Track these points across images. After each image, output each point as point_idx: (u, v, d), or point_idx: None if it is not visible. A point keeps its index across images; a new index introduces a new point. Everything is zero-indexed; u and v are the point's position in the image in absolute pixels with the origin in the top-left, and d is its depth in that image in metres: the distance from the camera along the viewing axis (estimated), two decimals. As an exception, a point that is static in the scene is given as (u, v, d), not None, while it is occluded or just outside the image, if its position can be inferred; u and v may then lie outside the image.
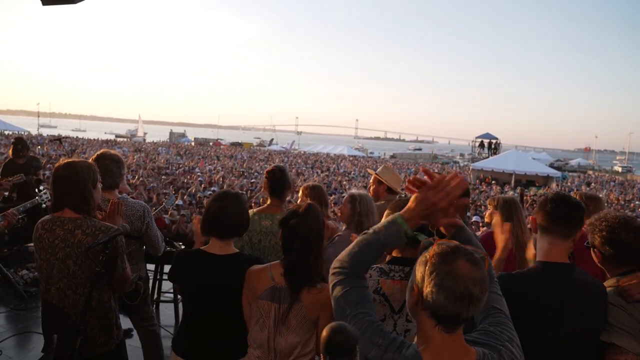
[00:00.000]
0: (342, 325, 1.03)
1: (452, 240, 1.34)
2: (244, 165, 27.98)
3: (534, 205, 13.47)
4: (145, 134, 78.09)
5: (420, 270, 1.26)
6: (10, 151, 6.57)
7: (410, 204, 1.48)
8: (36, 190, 3.88)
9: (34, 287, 5.02)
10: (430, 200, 1.44)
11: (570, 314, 1.75)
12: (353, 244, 1.49)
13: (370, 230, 1.49)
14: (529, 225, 2.57)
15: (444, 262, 1.22)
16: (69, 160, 2.34)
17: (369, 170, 4.12)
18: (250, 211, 2.88)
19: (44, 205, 3.84)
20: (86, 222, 2.21)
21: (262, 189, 3.15)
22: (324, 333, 1.02)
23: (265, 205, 3.08)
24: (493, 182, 27.28)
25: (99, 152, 3.13)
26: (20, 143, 6.60)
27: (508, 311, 1.45)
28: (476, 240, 1.59)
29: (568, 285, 1.78)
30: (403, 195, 3.41)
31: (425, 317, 1.26)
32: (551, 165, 42.75)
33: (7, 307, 4.61)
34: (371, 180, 3.97)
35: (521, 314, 1.70)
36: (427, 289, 1.22)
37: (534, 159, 37.93)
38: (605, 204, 3.25)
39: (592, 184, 31.74)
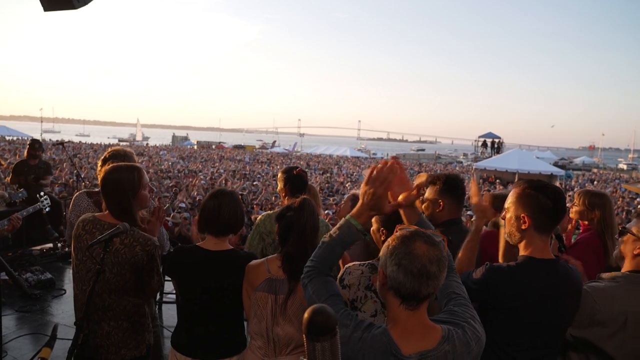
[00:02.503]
0: (322, 307, 1.06)
1: (412, 226, 1.47)
2: (247, 167, 28.02)
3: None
4: (147, 138, 78.30)
5: (383, 254, 1.39)
6: (26, 151, 6.81)
7: (359, 201, 1.65)
8: (37, 196, 3.92)
9: (39, 289, 5.08)
10: (370, 191, 1.60)
11: (556, 305, 1.81)
12: (317, 247, 1.66)
13: (328, 234, 1.66)
14: None
15: (402, 243, 1.34)
16: (116, 165, 2.31)
17: (364, 174, 4.01)
18: (266, 213, 2.97)
19: (44, 211, 3.88)
20: (127, 230, 2.17)
21: (281, 191, 3.11)
22: (305, 315, 1.06)
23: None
24: (497, 181, 27.22)
25: (111, 149, 3.13)
26: (38, 143, 6.92)
27: (467, 295, 1.58)
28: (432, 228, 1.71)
29: (555, 280, 1.82)
30: None
31: (391, 297, 1.38)
32: (555, 164, 42.51)
33: (13, 309, 4.65)
34: None
35: (512, 304, 1.77)
36: (389, 269, 1.35)
37: (537, 157, 37.70)
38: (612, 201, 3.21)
39: (596, 182, 31.61)
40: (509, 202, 1.92)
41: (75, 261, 2.26)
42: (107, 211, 2.26)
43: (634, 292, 1.91)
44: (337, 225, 1.67)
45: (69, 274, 5.81)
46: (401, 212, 1.70)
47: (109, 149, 3.14)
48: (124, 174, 2.24)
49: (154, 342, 3.28)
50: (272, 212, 3.05)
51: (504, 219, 1.96)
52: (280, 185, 3.08)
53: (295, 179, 3.02)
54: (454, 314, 1.46)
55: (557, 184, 27.66)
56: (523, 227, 1.83)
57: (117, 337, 2.20)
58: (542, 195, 1.82)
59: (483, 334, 1.45)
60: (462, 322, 1.42)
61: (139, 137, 75.13)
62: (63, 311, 4.72)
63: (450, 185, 2.61)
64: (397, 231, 1.40)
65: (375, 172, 1.62)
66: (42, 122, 78.47)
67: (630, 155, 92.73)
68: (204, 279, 2.21)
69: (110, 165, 2.35)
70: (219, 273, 2.20)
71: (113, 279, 2.17)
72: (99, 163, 3.06)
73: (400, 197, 1.65)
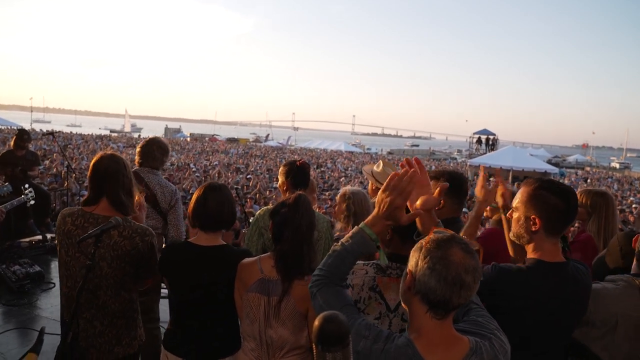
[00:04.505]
0: (334, 313, 0.98)
1: (448, 230, 1.36)
2: (240, 161, 27.87)
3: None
4: (140, 129, 77.59)
5: (414, 256, 1.30)
6: (12, 141, 6.58)
7: (375, 208, 1.55)
8: (22, 188, 3.79)
9: (27, 282, 4.96)
10: (387, 200, 1.49)
11: (567, 310, 1.75)
12: (327, 255, 1.55)
13: (339, 243, 1.55)
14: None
15: (438, 248, 1.26)
16: (113, 152, 2.29)
17: (364, 170, 3.87)
18: (266, 208, 2.90)
19: (28, 205, 3.76)
20: (122, 222, 2.12)
21: (282, 185, 3.00)
22: (316, 322, 0.97)
23: None
24: (491, 178, 27.31)
25: (148, 138, 3.58)
26: (26, 133, 6.68)
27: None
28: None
29: (567, 285, 1.75)
30: None
31: (417, 302, 1.29)
32: (549, 162, 42.82)
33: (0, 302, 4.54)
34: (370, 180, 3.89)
35: (520, 308, 1.70)
36: (420, 273, 1.26)
37: (531, 155, 37.93)
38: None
39: (589, 180, 31.87)
40: (518, 202, 1.80)
41: (66, 258, 2.16)
42: (101, 203, 2.17)
43: (629, 295, 1.88)
44: (349, 234, 1.56)
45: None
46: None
47: (148, 137, 3.60)
48: (126, 162, 2.24)
49: (151, 342, 3.21)
50: (271, 206, 2.97)
51: (510, 218, 1.86)
52: (281, 179, 2.95)
53: (298, 171, 2.90)
54: (478, 325, 1.38)
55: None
56: (533, 228, 1.72)
57: (111, 334, 2.15)
58: (553, 195, 1.70)
59: (509, 346, 1.37)
60: (488, 334, 1.34)
61: (127, 128, 74.09)
62: (52, 305, 4.62)
63: (454, 185, 2.49)
64: (432, 234, 1.32)
65: (395, 180, 1.49)
66: (32, 111, 77.54)
67: (625, 154, 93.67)
68: (196, 275, 2.13)
69: (109, 152, 2.30)
70: (212, 268, 2.13)
71: (111, 273, 2.11)
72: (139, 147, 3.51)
73: (419, 202, 1.53)
